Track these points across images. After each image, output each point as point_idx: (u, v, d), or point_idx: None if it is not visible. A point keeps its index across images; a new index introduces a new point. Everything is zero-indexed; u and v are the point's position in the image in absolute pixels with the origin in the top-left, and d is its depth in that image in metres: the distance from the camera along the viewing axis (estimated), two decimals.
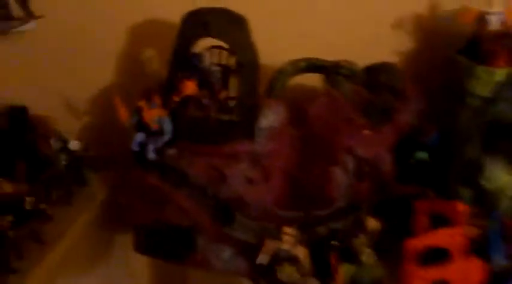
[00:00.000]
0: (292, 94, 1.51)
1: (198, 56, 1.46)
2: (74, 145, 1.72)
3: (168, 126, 1.42)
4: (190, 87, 1.38)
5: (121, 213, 1.64)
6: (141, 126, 1.45)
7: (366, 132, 1.38)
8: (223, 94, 1.45)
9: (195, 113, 1.42)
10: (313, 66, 1.41)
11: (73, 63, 1.82)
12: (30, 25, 1.74)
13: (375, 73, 1.47)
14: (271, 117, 1.39)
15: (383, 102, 1.42)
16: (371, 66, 1.49)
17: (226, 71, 1.45)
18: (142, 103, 1.44)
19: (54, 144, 1.72)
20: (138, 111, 1.45)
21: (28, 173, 1.62)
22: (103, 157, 1.80)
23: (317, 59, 1.42)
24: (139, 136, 1.46)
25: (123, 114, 1.45)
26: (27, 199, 1.50)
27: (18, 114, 1.80)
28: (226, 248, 1.44)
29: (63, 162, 1.67)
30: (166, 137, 1.43)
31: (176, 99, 1.40)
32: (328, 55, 1.45)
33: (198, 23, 1.39)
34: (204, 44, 1.46)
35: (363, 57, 1.49)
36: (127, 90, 1.74)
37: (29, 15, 1.72)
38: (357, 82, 1.41)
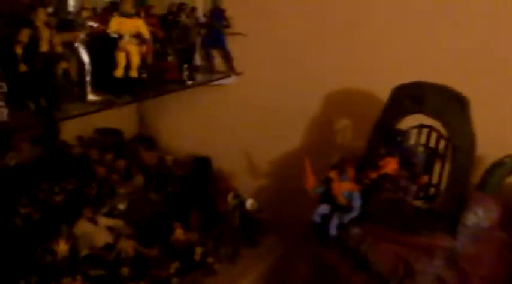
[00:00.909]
0: (509, 194, 1.30)
1: (404, 133, 1.33)
2: (250, 204, 1.67)
3: (357, 203, 1.29)
4: (391, 165, 1.25)
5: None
6: (327, 197, 1.34)
7: None
8: (424, 179, 1.30)
9: (390, 194, 1.28)
10: None
11: (264, 121, 1.80)
12: (231, 80, 1.77)
13: None
14: (480, 215, 1.19)
15: None
16: None
17: (433, 153, 1.30)
18: (333, 174, 1.33)
19: (231, 200, 1.69)
20: (327, 181, 1.34)
21: (201, 224, 1.60)
22: (276, 222, 1.73)
23: None
24: (323, 208, 1.35)
25: (310, 181, 1.36)
26: (198, 249, 1.47)
27: (202, 165, 1.82)
28: None
29: (237, 220, 1.63)
30: (353, 214, 1.30)
31: (373, 175, 1.28)
32: None
33: (410, 97, 1.28)
34: (411, 120, 1.35)
35: None
36: (315, 157, 1.69)
37: (231, 71, 1.75)
38: None
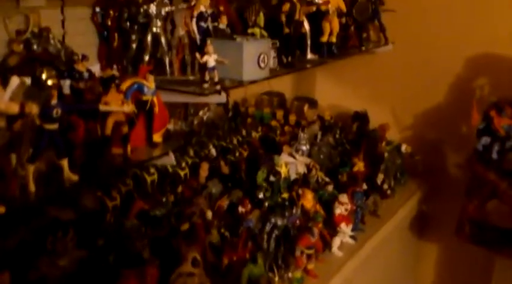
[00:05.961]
0: None
1: None
2: (405, 148, 2.08)
3: None
4: None
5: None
6: (488, 131, 1.75)
7: None
8: None
9: None
10: None
11: (412, 82, 2.20)
12: (385, 48, 2.18)
13: None
14: None
15: None
16: None
17: None
18: (492, 113, 1.74)
19: (384, 146, 2.12)
20: (488, 118, 1.75)
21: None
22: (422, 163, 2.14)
23: None
24: (485, 140, 1.76)
25: (476, 117, 1.77)
26: (380, 175, 1.90)
27: (361, 118, 2.24)
28: None
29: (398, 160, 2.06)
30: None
31: None
32: None
33: None
34: None
35: None
36: (454, 110, 2.12)
37: (385, 40, 2.17)
38: None
